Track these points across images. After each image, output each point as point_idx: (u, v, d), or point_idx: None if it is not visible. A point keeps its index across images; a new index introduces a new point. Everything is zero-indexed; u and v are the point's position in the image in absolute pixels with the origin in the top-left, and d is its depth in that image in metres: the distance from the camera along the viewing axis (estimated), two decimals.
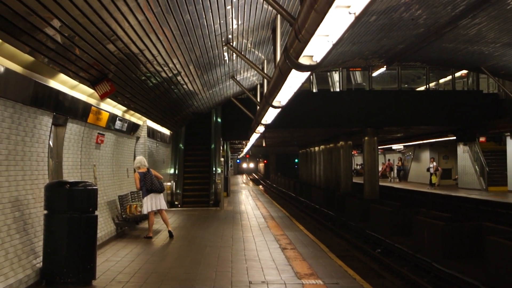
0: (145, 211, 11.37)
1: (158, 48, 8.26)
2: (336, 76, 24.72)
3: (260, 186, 49.84)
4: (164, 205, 11.59)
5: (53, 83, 7.54)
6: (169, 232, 11.37)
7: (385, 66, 19.98)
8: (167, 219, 11.66)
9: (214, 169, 20.62)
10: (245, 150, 46.53)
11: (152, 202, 11.31)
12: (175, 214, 16.25)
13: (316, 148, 35.90)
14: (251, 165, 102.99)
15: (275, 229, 12.76)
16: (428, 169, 28.87)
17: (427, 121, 22.91)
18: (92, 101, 9.43)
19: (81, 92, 8.76)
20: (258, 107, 14.51)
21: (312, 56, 5.54)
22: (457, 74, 24.39)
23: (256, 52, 11.89)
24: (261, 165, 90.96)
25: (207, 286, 6.87)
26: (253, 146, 37.00)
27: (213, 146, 21.31)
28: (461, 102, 22.41)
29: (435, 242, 12.69)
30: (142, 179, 11.27)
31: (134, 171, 11.75)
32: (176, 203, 19.06)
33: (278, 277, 7.44)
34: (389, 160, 42.01)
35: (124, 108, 11.92)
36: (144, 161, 11.63)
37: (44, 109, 7.47)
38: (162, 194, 11.56)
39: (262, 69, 12.63)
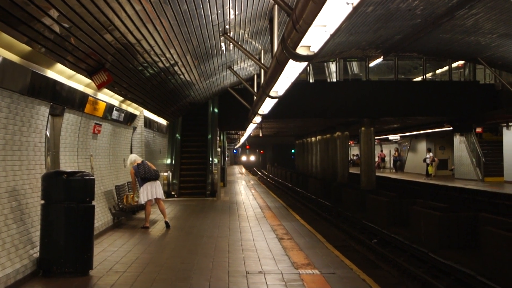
0: (142, 201, 11.38)
1: (155, 38, 8.23)
2: (333, 66, 24.72)
3: (257, 176, 49.90)
4: (160, 194, 11.61)
5: (50, 73, 7.52)
6: (166, 222, 11.38)
7: (382, 57, 19.96)
8: (164, 209, 11.66)
9: (210, 159, 20.61)
10: (242, 140, 46.56)
11: (149, 191, 11.33)
12: (172, 204, 16.28)
13: (313, 139, 35.95)
14: (252, 157, 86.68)
15: (272, 219, 12.80)
16: (424, 160, 28.95)
17: (423, 112, 22.95)
18: (89, 91, 9.41)
19: (78, 82, 8.74)
20: (255, 98, 14.50)
21: (309, 46, 5.55)
22: (454, 65, 24.41)
23: (253, 42, 11.85)
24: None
25: (204, 276, 6.89)
26: (249, 136, 37.01)
27: (210, 136, 21.28)
28: (457, 92, 22.43)
29: (432, 233, 12.75)
30: (137, 171, 11.36)
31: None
32: (173, 193, 19.05)
33: (275, 267, 7.47)
34: (381, 151, 42.06)
35: (121, 98, 11.90)
36: (137, 157, 11.84)
37: (41, 99, 7.45)
38: (158, 182, 11.59)
39: (259, 59, 12.60)
